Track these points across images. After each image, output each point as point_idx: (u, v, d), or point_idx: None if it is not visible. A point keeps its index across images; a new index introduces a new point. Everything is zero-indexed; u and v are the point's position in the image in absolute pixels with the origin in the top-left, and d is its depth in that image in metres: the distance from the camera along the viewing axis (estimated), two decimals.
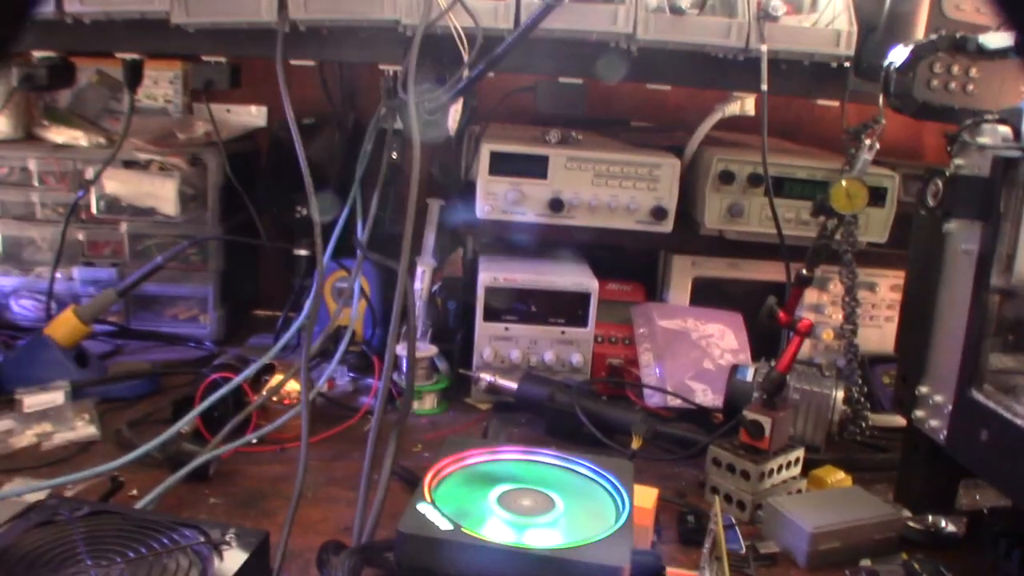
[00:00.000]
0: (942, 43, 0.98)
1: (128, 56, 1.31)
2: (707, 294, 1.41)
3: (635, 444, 1.08)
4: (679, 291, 1.41)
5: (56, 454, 1.03)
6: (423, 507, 0.68)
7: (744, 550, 0.90)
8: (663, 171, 1.30)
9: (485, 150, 1.29)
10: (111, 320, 1.46)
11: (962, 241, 0.91)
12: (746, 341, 1.33)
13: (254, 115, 1.70)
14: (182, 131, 1.50)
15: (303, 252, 1.45)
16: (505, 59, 1.07)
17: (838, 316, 1.29)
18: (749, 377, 1.14)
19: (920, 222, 0.98)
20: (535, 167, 1.29)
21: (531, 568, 0.64)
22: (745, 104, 1.35)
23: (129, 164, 1.41)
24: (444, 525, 0.66)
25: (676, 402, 1.25)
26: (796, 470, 1.04)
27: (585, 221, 1.32)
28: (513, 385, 1.22)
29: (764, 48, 1.17)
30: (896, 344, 1.05)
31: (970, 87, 0.99)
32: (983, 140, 0.87)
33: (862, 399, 1.17)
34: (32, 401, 1.08)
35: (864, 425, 1.16)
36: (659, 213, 1.31)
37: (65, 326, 1.21)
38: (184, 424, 0.98)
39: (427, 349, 1.28)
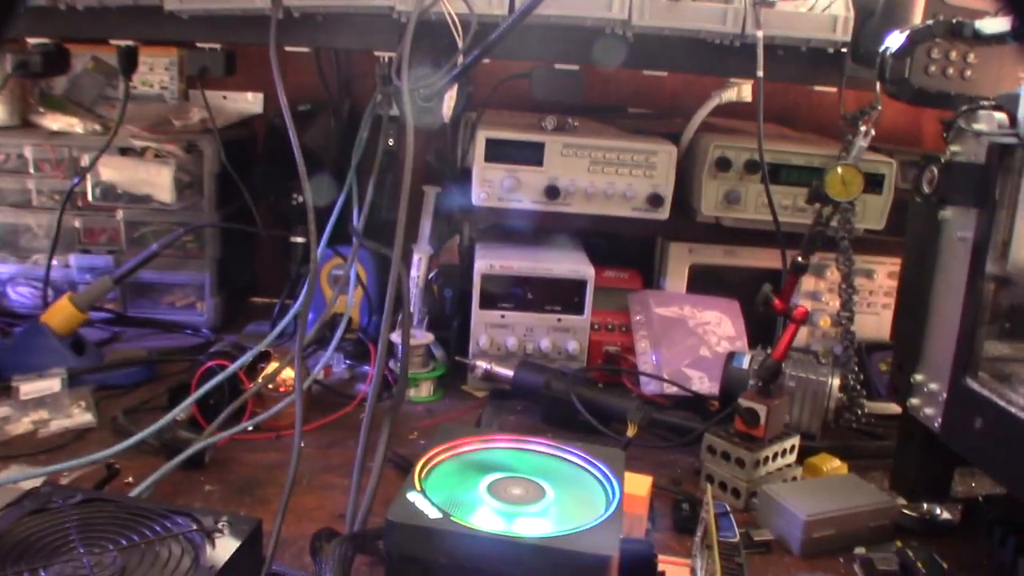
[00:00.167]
0: (939, 29, 0.98)
1: (123, 43, 1.31)
2: (704, 281, 1.40)
3: (631, 432, 1.08)
4: (675, 278, 1.40)
5: (52, 441, 1.03)
6: (412, 495, 0.68)
7: (737, 538, 0.90)
8: (659, 158, 1.29)
9: (481, 137, 1.28)
10: (107, 307, 1.46)
11: (958, 228, 0.91)
12: (743, 328, 1.33)
13: (250, 102, 1.70)
14: (178, 118, 1.50)
15: (299, 239, 1.45)
16: (500, 45, 1.06)
17: (835, 303, 1.28)
18: (745, 365, 1.14)
19: (916, 209, 0.98)
20: (531, 154, 1.29)
21: (520, 556, 0.64)
22: (742, 90, 1.34)
23: (125, 151, 1.41)
24: (433, 513, 0.66)
25: (672, 389, 1.25)
26: (791, 458, 1.04)
27: (581, 208, 1.31)
28: (509, 372, 1.22)
29: (760, 34, 1.16)
30: (892, 332, 1.05)
31: (967, 73, 0.99)
32: (979, 127, 0.86)
33: (858, 387, 1.17)
34: (28, 388, 1.08)
35: (860, 413, 1.16)
36: (655, 200, 1.30)
37: (61, 313, 1.21)
38: (180, 411, 0.98)
39: (423, 336, 1.28)
